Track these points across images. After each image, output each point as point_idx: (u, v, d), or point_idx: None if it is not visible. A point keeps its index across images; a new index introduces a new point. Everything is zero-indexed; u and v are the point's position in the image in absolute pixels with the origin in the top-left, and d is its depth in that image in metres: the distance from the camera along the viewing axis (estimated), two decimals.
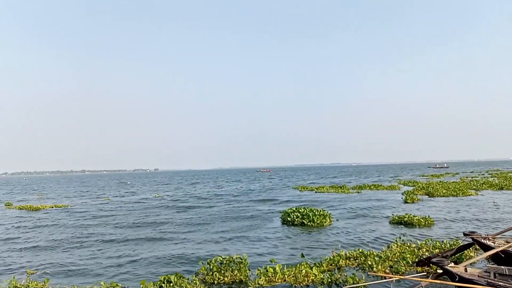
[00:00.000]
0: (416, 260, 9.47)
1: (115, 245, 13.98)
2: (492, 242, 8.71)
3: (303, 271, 8.89)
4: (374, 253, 10.21)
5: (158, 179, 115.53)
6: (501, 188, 33.41)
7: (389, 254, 10.20)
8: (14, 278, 8.37)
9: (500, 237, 9.16)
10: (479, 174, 66.22)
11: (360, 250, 10.39)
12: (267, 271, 8.94)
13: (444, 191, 30.08)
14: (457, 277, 6.22)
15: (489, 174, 64.14)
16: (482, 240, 8.79)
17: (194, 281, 8.63)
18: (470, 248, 9.83)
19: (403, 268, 9.15)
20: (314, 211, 17.49)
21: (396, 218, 16.91)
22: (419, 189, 32.92)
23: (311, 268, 9.11)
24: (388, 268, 9.19)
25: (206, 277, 8.91)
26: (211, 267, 9.23)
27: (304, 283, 8.53)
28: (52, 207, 29.03)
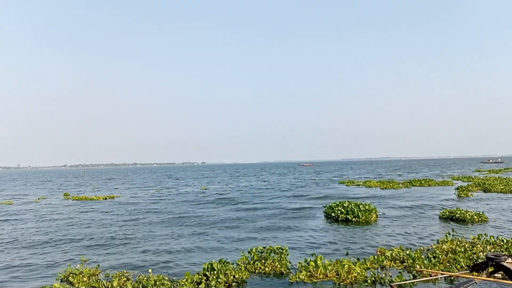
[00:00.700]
0: (471, 264, 8.88)
1: (160, 236, 14.45)
2: None
3: (346, 266, 8.65)
4: (423, 256, 9.73)
5: (205, 172, 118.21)
6: None
7: (439, 253, 9.64)
8: (69, 265, 8.90)
9: None
10: None
11: (407, 252, 9.81)
12: (308, 264, 8.83)
13: (502, 187, 28.13)
14: None
15: None
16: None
17: (239, 267, 8.71)
18: None
19: (456, 272, 8.62)
20: (359, 205, 16.96)
21: (447, 213, 16.09)
22: (475, 185, 31.01)
23: (354, 265, 8.86)
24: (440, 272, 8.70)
25: (248, 266, 8.97)
26: (252, 256, 9.26)
27: (348, 281, 8.31)
28: (105, 198, 30.62)
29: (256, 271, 8.80)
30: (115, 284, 8.24)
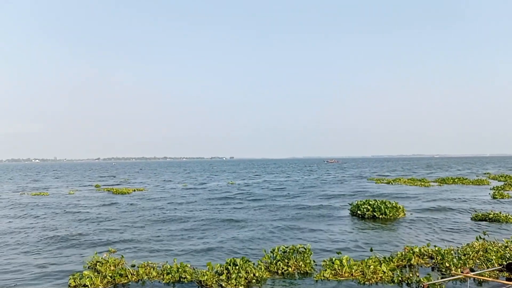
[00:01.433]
0: (505, 263, 8.49)
1: (184, 228, 14.71)
2: None
3: (371, 267, 8.50)
4: (453, 252, 9.37)
5: (233, 167, 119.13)
6: None
7: (470, 252, 9.29)
8: (96, 254, 9.22)
9: None
10: None
11: (437, 248, 9.58)
12: (333, 263, 8.70)
13: None
14: None
15: None
16: None
17: (260, 266, 8.72)
18: None
19: (487, 273, 8.28)
20: (386, 203, 16.55)
21: (480, 214, 15.45)
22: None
23: (380, 264, 8.67)
24: (469, 270, 8.37)
25: (270, 266, 8.93)
26: (275, 255, 9.22)
27: (373, 280, 8.15)
28: (134, 191, 31.42)
29: (279, 271, 8.73)
30: (141, 271, 8.53)
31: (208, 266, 8.47)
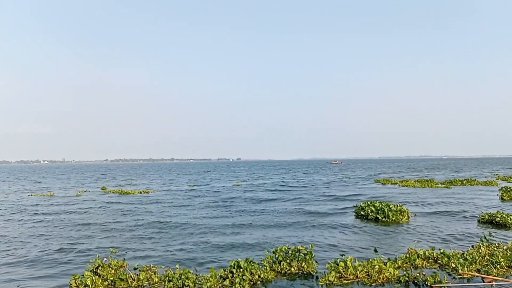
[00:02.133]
0: None
1: (187, 231, 14.65)
2: None
3: (376, 267, 8.40)
4: (459, 255, 9.23)
5: (240, 168, 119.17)
6: None
7: (476, 256, 9.14)
8: (98, 257, 9.20)
9: None
10: None
11: (442, 251, 9.43)
12: (337, 265, 8.61)
13: None
14: None
15: None
16: None
17: (265, 267, 8.65)
18: None
19: (494, 272, 8.17)
20: (390, 206, 16.34)
21: (487, 217, 15.17)
22: None
23: (385, 264, 8.57)
24: (476, 272, 8.24)
25: (273, 266, 8.87)
26: (277, 256, 9.15)
27: (379, 281, 8.06)
28: (140, 192, 31.49)
29: (282, 271, 8.68)
30: (142, 276, 8.44)
31: (211, 272, 8.32)
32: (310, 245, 9.58)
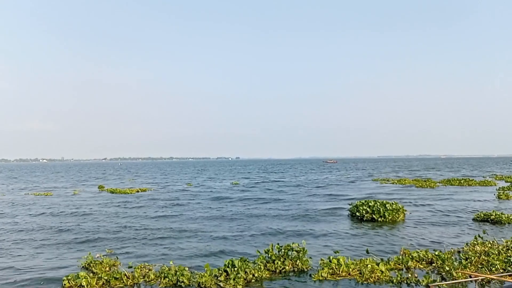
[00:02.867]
0: (508, 266, 8.33)
1: (183, 229, 14.71)
2: None
3: (369, 266, 8.46)
4: (453, 255, 9.25)
5: (238, 167, 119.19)
6: None
7: (472, 255, 9.16)
8: (90, 254, 9.21)
9: None
10: None
11: (437, 253, 9.34)
12: (330, 261, 8.68)
13: None
14: None
15: None
16: None
17: (259, 266, 8.68)
18: None
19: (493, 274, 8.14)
20: (385, 205, 16.30)
21: (482, 215, 15.28)
22: None
23: (378, 264, 8.61)
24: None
25: (267, 265, 8.90)
26: (270, 255, 9.18)
27: (371, 280, 8.09)
28: (137, 191, 31.49)
29: (277, 270, 8.72)
30: (137, 274, 8.46)
31: (206, 269, 8.40)
32: (302, 244, 9.61)
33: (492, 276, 7.23)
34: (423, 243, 11.56)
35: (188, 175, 63.69)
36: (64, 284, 8.05)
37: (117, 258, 9.52)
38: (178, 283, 8.07)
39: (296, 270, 8.79)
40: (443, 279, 8.08)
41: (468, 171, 66.89)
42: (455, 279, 7.80)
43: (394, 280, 7.97)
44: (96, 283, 8.06)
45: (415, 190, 29.48)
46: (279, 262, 8.88)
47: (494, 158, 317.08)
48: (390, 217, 15.58)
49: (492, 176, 46.97)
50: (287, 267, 8.80)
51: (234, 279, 7.94)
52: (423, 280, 7.71)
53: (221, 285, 7.84)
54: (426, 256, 9.34)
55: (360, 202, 17.28)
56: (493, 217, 14.68)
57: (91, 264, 8.65)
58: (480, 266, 8.70)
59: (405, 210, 16.64)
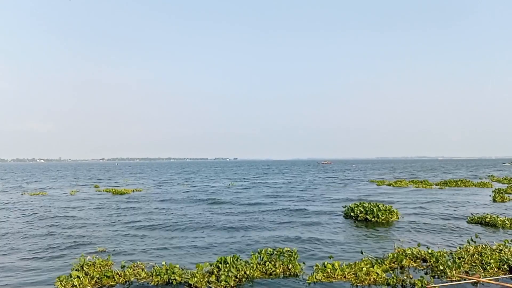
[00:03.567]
0: (502, 265, 8.32)
1: (176, 229, 14.68)
2: None
3: (364, 269, 8.38)
4: (447, 255, 9.22)
5: (235, 168, 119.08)
6: None
7: (465, 255, 9.13)
8: (82, 255, 9.15)
9: None
10: None
11: (430, 251, 9.37)
12: (325, 266, 8.61)
13: None
14: None
15: None
16: None
17: (251, 264, 8.65)
18: None
19: (483, 275, 8.13)
20: (379, 206, 16.32)
21: (476, 218, 15.24)
22: None
23: (373, 266, 8.56)
24: (464, 274, 8.23)
25: (259, 266, 8.85)
26: (262, 256, 9.14)
27: (366, 282, 8.05)
28: (133, 191, 31.41)
29: (268, 272, 8.65)
30: (128, 272, 8.44)
31: (197, 267, 8.37)
32: (293, 248, 9.59)
33: (489, 281, 7.21)
34: (416, 244, 11.52)
35: (184, 175, 63.56)
36: (57, 286, 7.98)
37: (110, 257, 9.45)
38: (170, 281, 8.07)
39: (287, 274, 8.69)
40: (437, 278, 8.07)
41: (465, 172, 66.97)
42: (449, 279, 7.79)
43: (390, 282, 7.92)
44: (89, 282, 8.01)
45: (411, 192, 29.47)
46: (270, 265, 8.82)
47: (492, 160, 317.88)
48: (383, 218, 15.58)
49: (489, 178, 47.02)
50: (278, 270, 8.71)
51: (225, 280, 7.89)
52: (418, 282, 7.62)
53: (212, 286, 7.80)
54: (419, 253, 9.32)
55: (354, 204, 17.28)
56: (487, 219, 14.65)
57: (84, 266, 8.59)
58: (473, 264, 8.70)
59: (399, 212, 16.63)
